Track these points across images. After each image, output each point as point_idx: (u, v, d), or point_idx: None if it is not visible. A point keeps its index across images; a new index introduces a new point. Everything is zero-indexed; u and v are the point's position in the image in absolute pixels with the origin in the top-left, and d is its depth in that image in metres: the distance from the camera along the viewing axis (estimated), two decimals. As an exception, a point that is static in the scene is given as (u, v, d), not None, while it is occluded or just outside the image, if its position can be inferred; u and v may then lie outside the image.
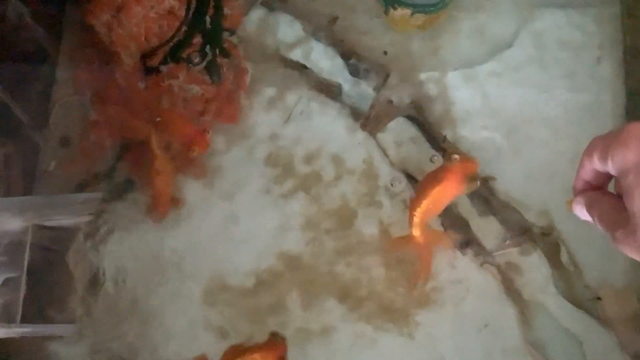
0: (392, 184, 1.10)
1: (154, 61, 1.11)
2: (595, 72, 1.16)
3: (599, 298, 1.05)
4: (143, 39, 1.11)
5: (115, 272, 1.06)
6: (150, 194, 1.07)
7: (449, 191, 0.94)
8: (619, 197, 0.38)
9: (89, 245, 1.03)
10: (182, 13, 1.11)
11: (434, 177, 0.94)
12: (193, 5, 1.12)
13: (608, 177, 0.41)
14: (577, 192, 0.43)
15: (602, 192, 0.42)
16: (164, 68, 1.13)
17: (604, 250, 1.07)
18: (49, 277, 1.03)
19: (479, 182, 0.94)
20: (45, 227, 0.99)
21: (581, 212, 0.44)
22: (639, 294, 1.04)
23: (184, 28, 1.13)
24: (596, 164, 0.39)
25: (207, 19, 1.15)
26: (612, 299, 1.05)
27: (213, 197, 1.13)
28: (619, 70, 1.15)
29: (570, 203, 0.46)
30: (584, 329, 1.04)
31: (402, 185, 1.11)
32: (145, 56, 1.13)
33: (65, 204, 0.99)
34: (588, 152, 0.40)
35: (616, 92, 1.14)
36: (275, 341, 1.01)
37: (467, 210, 1.11)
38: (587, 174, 0.41)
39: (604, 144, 0.39)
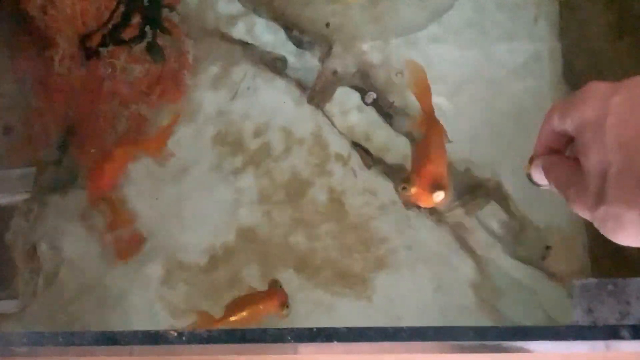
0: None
1: (93, 43, 1.10)
2: (532, 31, 1.18)
3: (548, 247, 1.07)
4: (80, 22, 1.10)
5: (60, 252, 1.05)
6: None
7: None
8: (576, 160, 0.39)
9: (28, 224, 1.01)
10: (118, -7, 1.10)
11: None
12: (128, -16, 1.10)
13: (568, 140, 0.41)
14: (538, 157, 0.44)
15: (560, 155, 0.42)
16: (104, 50, 1.11)
17: (549, 203, 1.09)
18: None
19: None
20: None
21: (539, 176, 0.44)
22: (585, 244, 1.07)
23: (121, 8, 1.11)
24: (555, 124, 0.40)
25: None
26: (559, 251, 1.08)
27: (164, 176, 1.12)
28: (555, 27, 1.17)
29: (528, 167, 0.47)
30: (536, 282, 1.07)
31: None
32: (84, 39, 1.11)
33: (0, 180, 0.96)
34: (548, 114, 0.41)
35: (553, 49, 1.16)
36: (275, 288, 1.01)
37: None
38: (547, 137, 0.42)
39: (564, 104, 0.39)
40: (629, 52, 1.00)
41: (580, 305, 0.59)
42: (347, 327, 0.51)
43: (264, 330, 0.53)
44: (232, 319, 0.96)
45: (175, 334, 0.52)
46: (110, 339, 0.52)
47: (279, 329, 0.52)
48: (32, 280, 0.98)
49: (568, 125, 0.38)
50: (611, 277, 0.60)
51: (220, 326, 0.95)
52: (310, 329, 0.52)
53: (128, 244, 1.03)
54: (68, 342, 0.51)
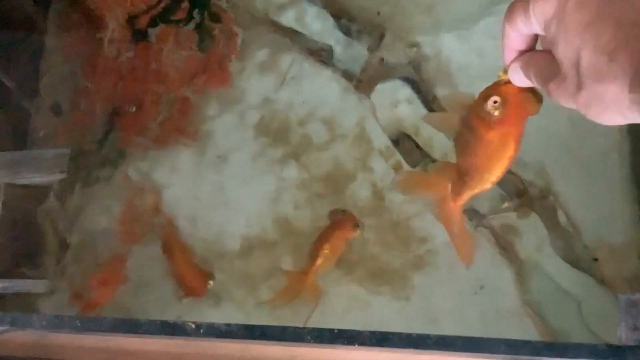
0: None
1: (142, 25, 1.10)
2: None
3: (595, 259, 1.02)
4: (128, 2, 1.10)
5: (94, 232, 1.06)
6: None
7: None
8: (549, 52, 0.39)
9: (61, 204, 1.03)
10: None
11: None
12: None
13: (534, 39, 0.41)
14: (512, 61, 0.44)
15: (534, 51, 0.42)
16: (152, 32, 1.11)
17: (602, 210, 1.04)
18: (21, 235, 1.03)
19: None
20: (17, 185, 0.98)
21: (519, 77, 0.43)
22: (638, 252, 1.01)
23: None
24: (520, 28, 0.40)
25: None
26: (611, 258, 1.03)
27: (205, 163, 1.12)
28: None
29: (503, 74, 0.45)
30: (581, 289, 1.02)
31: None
32: (133, 20, 1.12)
33: (35, 159, 0.98)
34: (508, 18, 0.41)
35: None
36: (338, 214, 1.02)
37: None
38: (513, 42, 0.42)
39: (524, 5, 0.39)
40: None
41: (625, 321, 0.55)
42: (370, 331, 0.49)
43: (284, 329, 0.51)
44: (319, 263, 0.98)
45: (194, 326, 0.51)
46: (129, 326, 0.51)
47: (299, 327, 0.50)
48: (61, 260, 0.99)
49: (533, 25, 0.39)
50: None
51: (312, 276, 0.98)
52: (332, 330, 0.50)
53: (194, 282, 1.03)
54: (86, 328, 0.51)
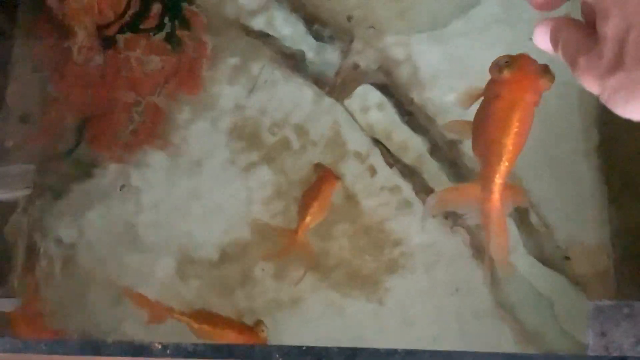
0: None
1: (111, 33, 1.09)
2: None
3: (567, 257, 1.04)
4: (96, 11, 1.09)
5: (69, 247, 1.05)
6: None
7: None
8: (587, 24, 0.36)
9: (28, 219, 1.01)
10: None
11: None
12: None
13: None
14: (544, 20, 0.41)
15: (569, 17, 0.39)
16: (120, 39, 1.10)
17: (572, 209, 1.05)
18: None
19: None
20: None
21: (543, 40, 0.41)
22: (609, 252, 1.03)
23: (138, -2, 1.11)
24: None
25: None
26: (582, 257, 1.04)
27: (178, 169, 1.11)
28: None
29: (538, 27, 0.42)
30: (554, 289, 1.03)
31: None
32: (102, 29, 1.10)
33: (-1, 175, 0.96)
34: None
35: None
36: (321, 173, 1.03)
37: (435, 173, 1.09)
38: None
39: None
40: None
41: (593, 327, 0.56)
42: (338, 347, 0.49)
43: (251, 347, 0.51)
44: (309, 219, 0.99)
45: (160, 347, 0.51)
46: (94, 348, 0.51)
47: (267, 345, 0.50)
48: (32, 277, 0.98)
49: None
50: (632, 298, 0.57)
51: (303, 232, 1.00)
52: (300, 347, 0.50)
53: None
54: (52, 351, 0.50)
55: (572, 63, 0.36)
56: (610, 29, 0.33)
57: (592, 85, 0.35)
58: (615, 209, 1.02)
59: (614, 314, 0.55)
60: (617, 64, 0.33)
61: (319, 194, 1.00)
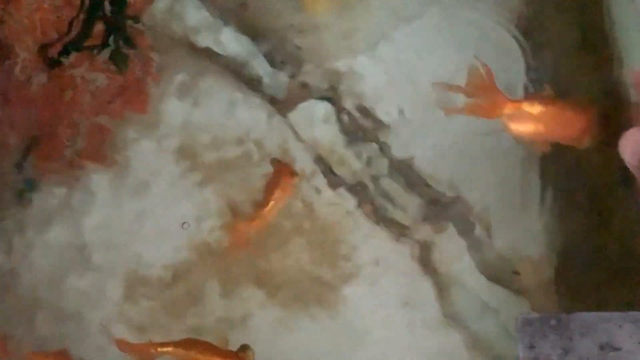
0: None
1: (53, 52, 1.08)
2: (505, 40, 1.16)
3: (516, 272, 1.06)
4: (39, 31, 1.08)
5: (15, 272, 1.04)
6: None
7: None
8: None
9: None
10: (79, 2, 1.08)
11: None
12: (89, -6, 1.09)
13: None
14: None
15: None
16: (65, 60, 1.10)
17: (516, 221, 1.08)
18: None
19: None
20: None
21: (631, 153, 0.43)
22: (552, 263, 1.05)
23: (82, 16, 1.10)
24: None
25: (107, 6, 1.12)
26: (527, 268, 1.07)
27: (124, 189, 1.11)
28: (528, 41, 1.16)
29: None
30: (500, 299, 1.06)
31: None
32: (45, 48, 1.09)
33: None
34: None
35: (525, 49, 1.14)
36: (277, 166, 1.03)
37: (382, 187, 1.11)
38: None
39: None
40: (595, 68, 0.98)
41: (522, 340, 0.57)
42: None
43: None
44: (269, 209, 1.00)
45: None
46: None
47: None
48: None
49: None
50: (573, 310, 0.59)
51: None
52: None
53: None
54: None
55: None
56: None
57: None
58: (556, 220, 1.05)
59: (542, 326, 0.57)
60: None
61: (276, 186, 1.01)
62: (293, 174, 1.02)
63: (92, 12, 1.10)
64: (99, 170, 1.10)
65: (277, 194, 1.00)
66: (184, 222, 1.08)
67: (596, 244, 0.96)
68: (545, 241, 1.07)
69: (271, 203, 1.00)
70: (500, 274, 1.07)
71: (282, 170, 1.03)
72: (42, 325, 1.03)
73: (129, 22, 1.13)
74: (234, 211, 1.06)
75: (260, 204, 1.01)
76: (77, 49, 1.09)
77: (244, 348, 0.97)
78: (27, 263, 1.07)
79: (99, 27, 1.13)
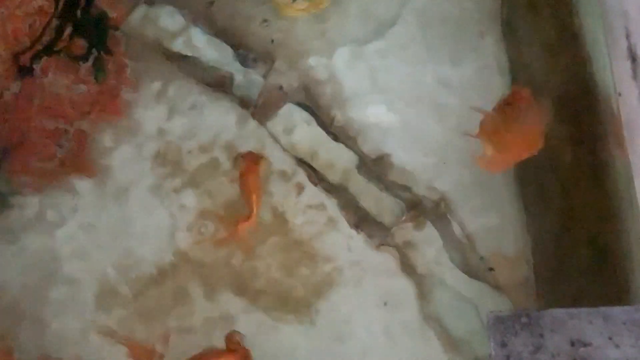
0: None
1: (26, 58, 1.08)
2: (479, 46, 1.17)
3: (491, 269, 1.07)
4: (12, 38, 1.07)
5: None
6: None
7: None
8: None
9: None
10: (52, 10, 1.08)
11: None
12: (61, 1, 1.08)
13: None
14: None
15: None
16: (37, 66, 1.09)
17: (493, 220, 1.09)
18: None
19: None
20: None
21: None
22: (528, 260, 1.06)
23: (54, 23, 1.09)
24: None
25: (78, 12, 1.12)
26: (504, 266, 1.07)
27: (104, 196, 1.10)
28: (500, 43, 1.17)
29: None
30: (479, 296, 1.06)
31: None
32: (17, 55, 1.09)
33: None
34: None
35: (500, 63, 1.15)
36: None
37: (361, 190, 1.11)
38: None
39: None
40: (567, 68, 0.99)
41: (494, 337, 0.58)
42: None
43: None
44: (256, 205, 1.01)
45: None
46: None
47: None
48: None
49: None
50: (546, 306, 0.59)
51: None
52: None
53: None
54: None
55: None
56: None
57: None
58: (531, 219, 1.06)
59: (513, 323, 0.58)
60: None
61: (250, 181, 1.03)
62: (259, 158, 1.04)
63: (64, 16, 1.09)
64: (77, 178, 1.10)
65: (254, 184, 1.02)
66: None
67: (569, 241, 0.97)
68: (521, 239, 1.08)
69: (253, 196, 1.02)
70: (478, 272, 1.08)
71: (248, 160, 1.04)
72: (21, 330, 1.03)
73: (111, 30, 1.13)
74: (227, 212, 1.06)
75: (247, 201, 1.02)
76: (48, 53, 1.09)
77: (232, 336, 0.98)
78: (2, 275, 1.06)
79: (68, 32, 1.12)
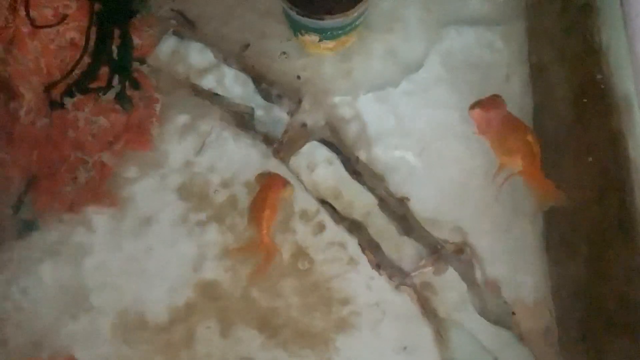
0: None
1: (57, 93, 1.09)
2: (504, 90, 1.17)
3: (512, 313, 1.06)
4: (44, 72, 1.09)
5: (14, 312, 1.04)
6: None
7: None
8: None
9: None
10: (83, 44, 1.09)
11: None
12: (93, 36, 1.10)
13: None
14: None
15: None
16: (68, 100, 1.11)
17: (516, 265, 1.08)
18: None
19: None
20: None
21: None
22: (550, 309, 1.05)
23: (86, 59, 1.11)
24: None
25: (114, 49, 1.13)
26: (526, 313, 1.06)
27: (125, 228, 1.11)
28: (527, 86, 1.17)
29: None
30: (500, 345, 1.05)
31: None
32: (49, 89, 1.11)
33: None
34: None
35: (523, 107, 1.15)
36: (267, 176, 1.03)
37: (382, 231, 1.11)
38: None
39: None
40: (591, 115, 0.99)
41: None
42: None
43: None
44: (266, 226, 0.99)
45: None
46: None
47: None
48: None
49: None
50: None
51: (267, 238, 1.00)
52: None
53: None
54: None
55: None
56: None
57: None
58: (554, 265, 1.05)
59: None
60: None
61: (268, 202, 1.00)
62: (285, 182, 1.02)
63: (98, 54, 1.11)
64: (100, 209, 1.11)
65: (271, 202, 1.00)
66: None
67: (595, 293, 0.95)
68: (544, 286, 1.07)
69: (266, 211, 0.99)
70: (501, 318, 1.07)
71: (274, 179, 1.03)
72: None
73: (136, 63, 1.15)
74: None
75: (256, 216, 1.00)
76: (82, 92, 1.10)
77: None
78: (24, 305, 1.06)
79: (103, 68, 1.14)
